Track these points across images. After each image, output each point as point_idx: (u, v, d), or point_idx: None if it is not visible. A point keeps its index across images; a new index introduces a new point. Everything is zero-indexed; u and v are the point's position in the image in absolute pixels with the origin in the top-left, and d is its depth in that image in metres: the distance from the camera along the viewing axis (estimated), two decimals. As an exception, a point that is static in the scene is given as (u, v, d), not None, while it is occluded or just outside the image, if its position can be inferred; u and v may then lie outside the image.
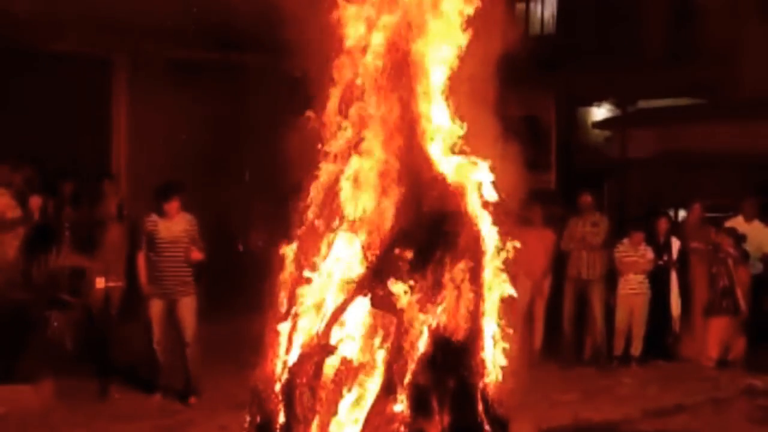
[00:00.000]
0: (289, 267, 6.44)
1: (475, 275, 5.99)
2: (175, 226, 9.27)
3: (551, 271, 11.72)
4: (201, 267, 9.54)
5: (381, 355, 5.88)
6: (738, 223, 12.01)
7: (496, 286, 6.26)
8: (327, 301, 6.18)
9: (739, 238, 11.65)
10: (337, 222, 6.33)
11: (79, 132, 14.45)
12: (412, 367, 5.79)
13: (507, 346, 6.29)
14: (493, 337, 6.20)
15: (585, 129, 20.97)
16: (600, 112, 21.06)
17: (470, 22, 6.25)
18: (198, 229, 9.39)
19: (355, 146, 6.38)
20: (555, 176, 18.26)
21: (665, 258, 11.73)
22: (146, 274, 9.29)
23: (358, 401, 5.87)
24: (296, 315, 6.27)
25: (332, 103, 6.39)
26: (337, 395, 5.88)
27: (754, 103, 16.61)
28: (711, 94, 18.25)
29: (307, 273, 6.32)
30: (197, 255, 9.36)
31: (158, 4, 12.16)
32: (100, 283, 9.82)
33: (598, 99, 20.70)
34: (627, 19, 19.54)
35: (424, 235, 5.94)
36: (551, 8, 21.20)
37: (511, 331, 6.38)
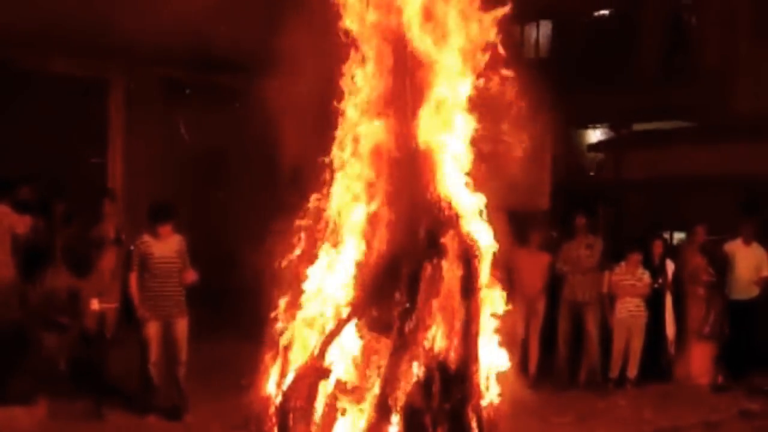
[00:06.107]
0: (285, 288, 6.45)
1: (470, 298, 6.00)
2: (168, 246, 9.28)
3: (546, 292, 11.71)
4: (195, 287, 9.53)
5: (375, 378, 5.88)
6: (736, 245, 12.01)
7: (491, 309, 6.27)
8: (322, 323, 6.19)
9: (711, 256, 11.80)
10: (333, 243, 6.35)
11: (76, 152, 14.46)
12: (406, 389, 5.79)
13: (502, 368, 6.29)
14: (488, 360, 6.20)
15: (580, 151, 21.04)
16: (595, 135, 21.14)
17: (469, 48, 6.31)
18: (187, 249, 9.40)
19: (351, 167, 6.42)
20: (549, 198, 18.28)
21: (660, 281, 11.74)
22: (138, 295, 9.28)
23: (352, 424, 5.86)
24: (291, 337, 6.28)
25: (328, 121, 6.44)
26: (332, 418, 5.88)
27: (749, 125, 16.67)
28: (705, 116, 18.32)
29: (302, 295, 6.33)
30: (192, 276, 9.36)
31: (154, 26, 12.20)
32: (94, 304, 9.78)
33: (593, 122, 20.78)
34: (621, 42, 19.66)
35: (420, 257, 5.95)
36: (546, 32, 21.33)
37: (505, 353, 6.38)
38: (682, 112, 18.55)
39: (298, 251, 6.44)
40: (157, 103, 14.93)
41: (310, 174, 6.60)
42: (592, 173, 20.46)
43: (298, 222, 6.47)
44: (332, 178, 6.44)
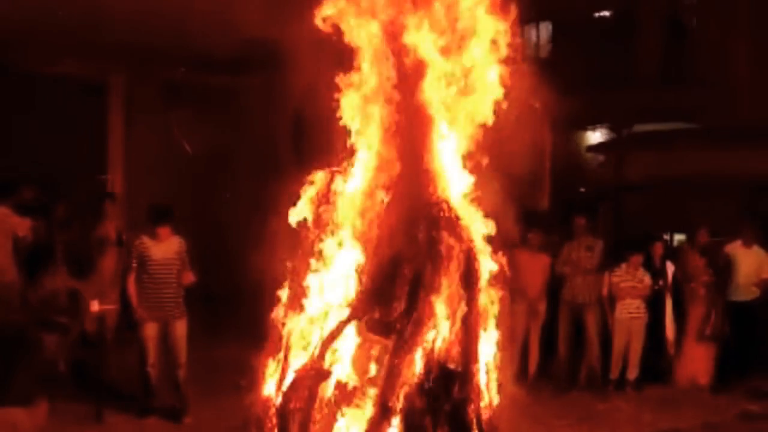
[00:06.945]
0: (285, 290, 6.45)
1: (471, 300, 5.99)
2: (167, 248, 9.28)
3: (546, 294, 11.70)
4: (195, 289, 9.53)
5: (375, 379, 5.88)
6: (737, 247, 12.00)
7: (492, 311, 6.26)
8: (322, 325, 6.18)
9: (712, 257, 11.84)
10: (332, 245, 6.34)
11: (76, 154, 14.47)
12: (406, 391, 5.78)
13: (502, 370, 6.29)
14: (488, 362, 6.19)
15: (580, 153, 21.03)
16: (595, 136, 21.13)
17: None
18: (187, 251, 9.40)
19: (352, 168, 6.42)
20: (549, 200, 18.29)
21: (661, 283, 11.74)
22: (137, 296, 9.28)
23: (352, 425, 5.86)
24: (291, 339, 6.27)
25: (331, 121, 6.44)
26: (332, 419, 5.87)
27: (749, 126, 16.66)
28: (706, 117, 18.32)
29: (302, 296, 6.32)
30: (190, 278, 9.36)
31: (154, 28, 12.20)
32: (94, 306, 9.78)
33: (593, 123, 20.76)
34: (621, 42, 19.67)
35: (420, 259, 5.95)
36: (546, 33, 21.33)
37: (506, 355, 6.38)
38: (682, 113, 18.54)
39: (299, 252, 6.44)
40: (156, 103, 14.94)
41: (310, 173, 6.60)
42: (591, 174, 20.44)
43: (298, 223, 6.47)
44: (333, 178, 6.44)
